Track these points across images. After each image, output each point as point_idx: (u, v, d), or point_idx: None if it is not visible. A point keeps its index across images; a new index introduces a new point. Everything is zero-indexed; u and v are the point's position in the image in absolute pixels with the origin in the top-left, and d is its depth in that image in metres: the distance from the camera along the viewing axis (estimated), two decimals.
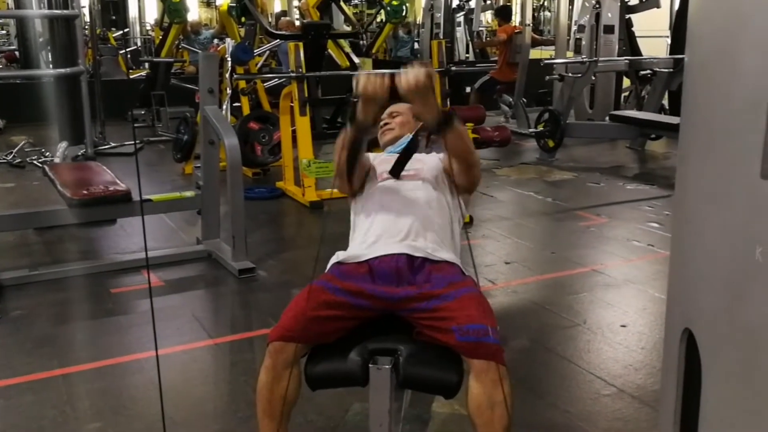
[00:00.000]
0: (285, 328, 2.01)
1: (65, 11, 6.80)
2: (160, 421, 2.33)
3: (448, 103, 6.31)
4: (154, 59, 9.23)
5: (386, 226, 2.23)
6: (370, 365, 2.00)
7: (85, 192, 3.97)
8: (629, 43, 8.66)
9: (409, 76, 2.00)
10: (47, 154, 7.20)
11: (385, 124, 2.61)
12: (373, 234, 2.23)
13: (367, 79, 2.09)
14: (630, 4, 8.59)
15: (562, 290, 3.97)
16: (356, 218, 2.40)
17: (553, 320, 3.56)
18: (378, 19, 13.66)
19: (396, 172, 2.35)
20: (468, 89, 9.63)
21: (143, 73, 10.79)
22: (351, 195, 2.41)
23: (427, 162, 2.45)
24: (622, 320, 3.52)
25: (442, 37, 11.61)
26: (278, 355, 2.00)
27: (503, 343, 3.19)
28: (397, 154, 2.46)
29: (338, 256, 2.25)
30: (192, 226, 4.77)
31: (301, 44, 5.86)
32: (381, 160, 2.48)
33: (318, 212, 5.49)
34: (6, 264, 4.06)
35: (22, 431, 2.55)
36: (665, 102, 8.38)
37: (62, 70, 6.72)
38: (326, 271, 2.23)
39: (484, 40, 12.12)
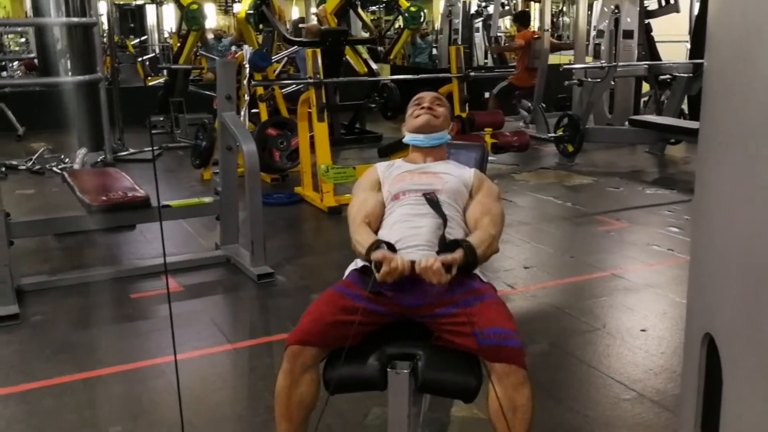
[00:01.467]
0: (303, 332, 2.01)
1: (83, 19, 6.88)
2: (180, 426, 2.33)
3: (467, 108, 6.30)
4: (173, 66, 9.30)
5: (404, 236, 2.19)
6: (388, 370, 1.99)
7: (104, 198, 3.99)
8: (649, 48, 8.61)
9: (430, 276, 1.93)
10: (66, 160, 7.26)
11: (429, 109, 2.46)
12: (393, 243, 2.21)
13: (387, 271, 1.95)
14: (649, 9, 8.54)
15: (582, 294, 3.94)
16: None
17: (573, 324, 3.53)
18: (396, 25, 13.68)
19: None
20: (486, 94, 9.62)
21: (161, 80, 10.88)
22: None
23: (454, 177, 2.37)
24: (642, 324, 3.49)
25: (460, 42, 11.63)
26: (296, 359, 1.99)
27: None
28: (417, 167, 2.41)
29: (357, 263, 2.24)
30: (211, 232, 4.78)
31: (318, 50, 5.87)
32: (397, 176, 2.40)
33: (336, 217, 5.48)
34: (26, 270, 4.09)
35: None
36: (684, 107, 8.32)
37: (81, 78, 6.79)
38: (344, 277, 2.23)
39: (502, 45, 12.10)
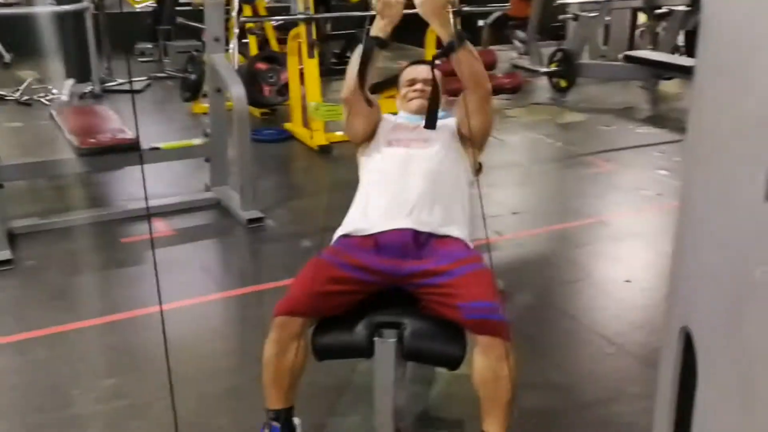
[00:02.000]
0: (291, 303, 2.04)
1: None
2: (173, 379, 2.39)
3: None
4: None
5: (393, 198, 2.23)
6: (375, 338, 2.04)
7: (92, 140, 3.97)
8: None
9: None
10: (54, 91, 7.15)
11: (421, 90, 2.51)
12: (380, 206, 2.24)
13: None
14: None
15: (569, 242, 3.99)
16: (364, 180, 2.39)
17: (558, 274, 3.59)
18: None
19: (431, 123, 2.31)
20: (481, 23, 9.45)
21: (150, 1, 10.59)
22: (356, 122, 2.42)
23: (440, 127, 2.42)
24: (626, 275, 3.54)
25: None
26: (284, 329, 2.04)
27: (508, 300, 3.25)
28: (414, 124, 2.43)
29: (345, 225, 2.27)
30: (201, 170, 4.74)
31: None
32: (394, 126, 2.46)
33: (326, 156, 5.47)
34: (17, 211, 4.08)
35: (39, 388, 2.62)
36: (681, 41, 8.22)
37: (66, 7, 6.62)
38: (332, 242, 2.25)
39: None
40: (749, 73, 1.21)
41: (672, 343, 1.55)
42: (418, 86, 2.51)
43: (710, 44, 1.34)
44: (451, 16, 2.17)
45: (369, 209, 2.27)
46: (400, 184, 2.26)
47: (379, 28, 2.26)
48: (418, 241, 2.16)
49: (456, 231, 2.22)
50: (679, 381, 1.52)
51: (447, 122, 2.47)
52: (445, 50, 2.24)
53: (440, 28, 2.21)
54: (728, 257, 1.28)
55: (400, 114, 2.57)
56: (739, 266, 1.23)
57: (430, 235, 2.17)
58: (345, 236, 2.23)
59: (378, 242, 2.16)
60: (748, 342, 1.22)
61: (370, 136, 2.47)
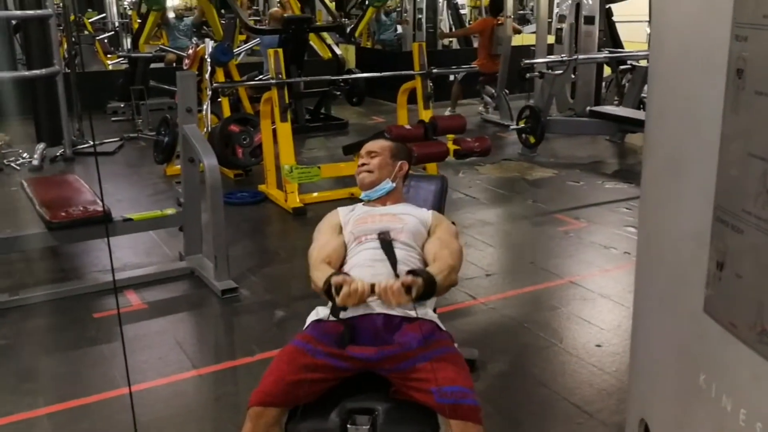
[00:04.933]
0: (265, 393, 2.05)
1: (39, 11, 6.74)
2: None
3: (431, 105, 6.33)
4: (133, 55, 9.13)
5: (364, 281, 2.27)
6: (348, 426, 2.06)
7: (63, 214, 3.98)
8: (609, 32, 8.70)
9: (390, 297, 2.03)
10: (25, 155, 7.14)
11: (363, 164, 2.62)
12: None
13: (347, 293, 2.04)
14: None
15: (540, 305, 4.03)
16: None
17: (531, 340, 3.62)
18: None
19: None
20: (451, 78, 9.64)
21: (121, 59, 10.66)
22: None
23: (413, 217, 2.48)
24: (597, 339, 3.59)
25: (425, 22, 11.68)
26: (259, 420, 2.04)
27: (482, 368, 3.27)
28: (379, 212, 2.50)
29: (318, 312, 2.30)
30: (174, 238, 4.76)
31: (281, 51, 5.82)
32: (358, 218, 2.51)
33: (301, 219, 5.51)
34: None
35: None
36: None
37: (38, 72, 6.67)
38: (305, 328, 2.27)
39: (453, 31, 12.33)
40: (682, 192, 1.28)
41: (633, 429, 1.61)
42: (364, 160, 2.60)
43: (652, 163, 1.42)
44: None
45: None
46: (370, 269, 2.30)
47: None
48: (390, 325, 2.20)
49: (426, 312, 2.26)
50: None
51: (420, 213, 2.53)
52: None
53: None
54: (676, 360, 1.35)
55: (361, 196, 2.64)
56: (687, 370, 1.30)
57: (402, 319, 2.21)
58: (317, 321, 2.26)
59: (350, 327, 2.19)
60: None
61: None
